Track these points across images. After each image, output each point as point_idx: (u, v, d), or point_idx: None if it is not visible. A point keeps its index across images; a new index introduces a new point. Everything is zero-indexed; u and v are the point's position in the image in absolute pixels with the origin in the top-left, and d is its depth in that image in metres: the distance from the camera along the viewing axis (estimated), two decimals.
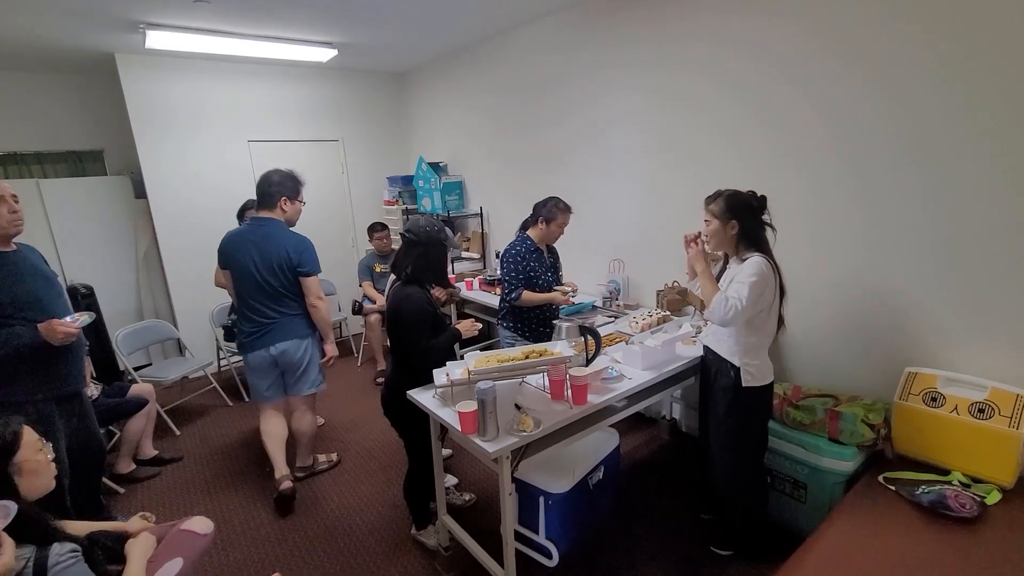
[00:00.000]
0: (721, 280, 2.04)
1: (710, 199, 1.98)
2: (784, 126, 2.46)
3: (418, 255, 2.10)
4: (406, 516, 2.44)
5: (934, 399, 1.99)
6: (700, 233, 2.00)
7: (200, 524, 1.63)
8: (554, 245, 2.92)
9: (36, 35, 3.32)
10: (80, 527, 1.45)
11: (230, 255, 2.57)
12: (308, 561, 2.29)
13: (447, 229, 2.20)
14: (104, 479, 2.75)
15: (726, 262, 2.09)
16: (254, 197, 2.76)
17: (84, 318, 2.02)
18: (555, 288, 2.81)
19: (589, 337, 2.14)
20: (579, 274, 3.47)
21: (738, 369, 1.97)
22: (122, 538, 1.48)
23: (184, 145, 4.22)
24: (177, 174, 4.22)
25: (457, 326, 2.19)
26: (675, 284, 2.96)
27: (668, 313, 2.76)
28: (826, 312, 2.45)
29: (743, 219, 1.91)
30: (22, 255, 2.06)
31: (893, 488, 1.87)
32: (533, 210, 2.76)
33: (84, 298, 3.65)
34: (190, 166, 4.26)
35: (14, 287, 1.96)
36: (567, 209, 2.73)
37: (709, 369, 2.15)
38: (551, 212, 2.69)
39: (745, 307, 1.83)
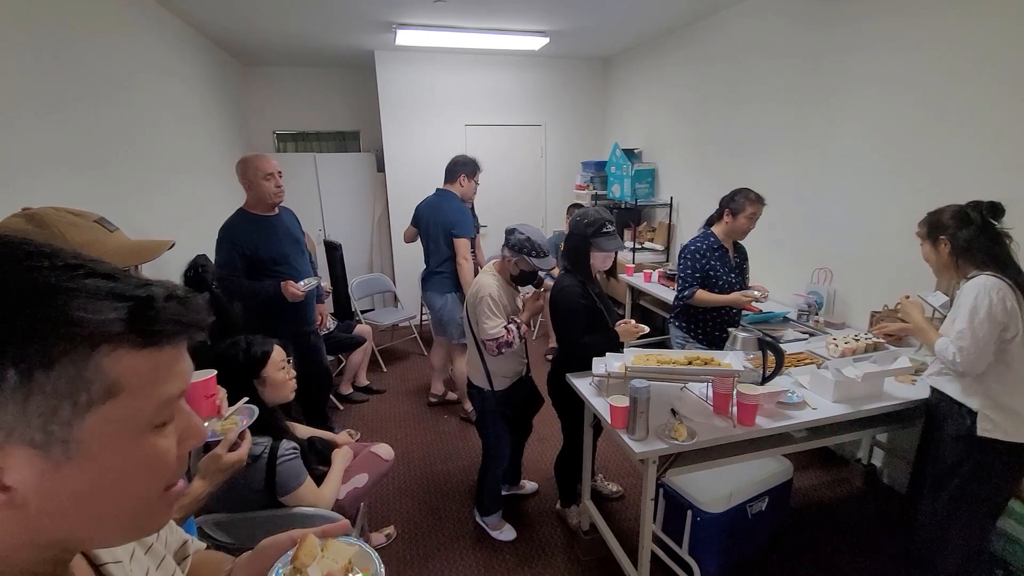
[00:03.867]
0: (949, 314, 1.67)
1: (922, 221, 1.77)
2: None
3: (570, 245, 2.13)
4: (555, 490, 2.58)
5: None
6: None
7: (385, 450, 2.00)
8: (743, 244, 2.66)
9: (316, 36, 4.17)
10: (303, 431, 1.91)
11: (419, 216, 3.29)
12: (462, 505, 2.58)
13: (606, 226, 2.05)
14: (332, 396, 3.49)
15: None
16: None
17: (312, 282, 2.52)
18: (742, 292, 2.57)
19: (770, 352, 1.93)
20: (772, 279, 3.10)
21: (975, 415, 1.60)
22: (330, 446, 1.89)
23: (415, 128, 4.91)
24: (407, 153, 4.94)
25: (618, 328, 2.09)
26: (896, 307, 2.43)
27: (882, 341, 2.31)
28: None
29: (955, 232, 1.64)
30: (280, 219, 2.52)
31: None
32: (719, 204, 2.55)
33: (335, 250, 4.59)
34: (418, 146, 4.95)
35: (273, 246, 2.44)
36: (758, 200, 2.45)
37: (935, 415, 1.78)
38: (739, 203, 2.45)
39: (972, 348, 1.51)
